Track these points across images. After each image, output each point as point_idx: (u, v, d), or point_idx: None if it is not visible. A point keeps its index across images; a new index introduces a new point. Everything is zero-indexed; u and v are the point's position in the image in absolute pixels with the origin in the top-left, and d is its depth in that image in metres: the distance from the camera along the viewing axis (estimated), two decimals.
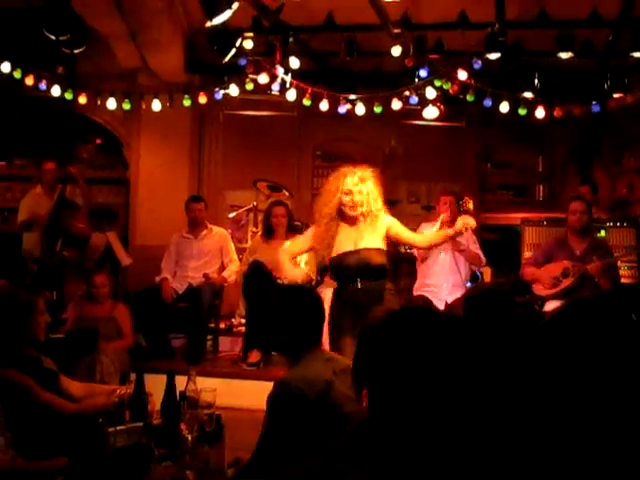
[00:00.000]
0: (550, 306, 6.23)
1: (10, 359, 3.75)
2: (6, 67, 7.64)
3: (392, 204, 9.07)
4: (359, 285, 5.02)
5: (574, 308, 2.01)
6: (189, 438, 2.97)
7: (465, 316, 3.15)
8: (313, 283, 6.77)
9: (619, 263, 6.80)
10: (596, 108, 7.34)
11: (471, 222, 5.16)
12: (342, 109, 7.58)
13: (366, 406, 2.41)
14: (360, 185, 5.05)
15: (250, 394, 6.02)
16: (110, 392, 3.57)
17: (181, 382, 3.44)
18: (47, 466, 3.13)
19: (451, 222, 6.78)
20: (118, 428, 3.15)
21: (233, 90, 7.84)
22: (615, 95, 7.39)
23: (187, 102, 8.06)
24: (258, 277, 6.69)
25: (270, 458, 3.06)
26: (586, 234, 6.53)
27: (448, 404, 2.13)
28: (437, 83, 7.26)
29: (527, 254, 7.26)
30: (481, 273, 7.28)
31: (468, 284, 6.88)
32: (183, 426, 3.01)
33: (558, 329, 1.96)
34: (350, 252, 5.07)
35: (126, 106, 8.16)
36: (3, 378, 3.57)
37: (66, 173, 7.77)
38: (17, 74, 7.72)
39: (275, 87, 7.52)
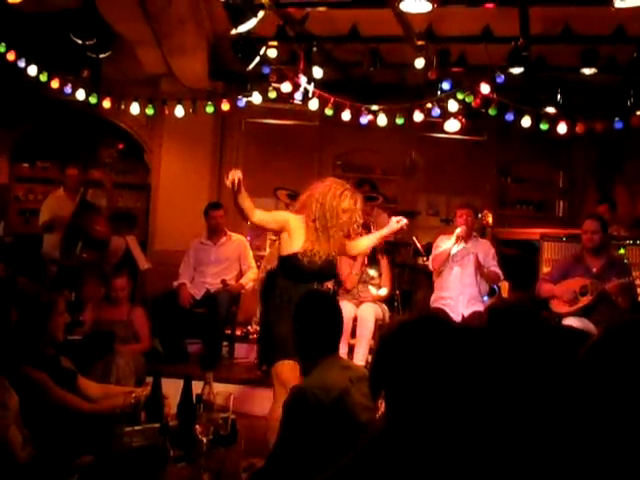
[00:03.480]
0: (567, 323, 6.20)
1: (29, 357, 3.79)
2: (32, 70, 7.72)
3: (411, 216, 9.10)
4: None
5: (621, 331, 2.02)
6: (204, 440, 2.98)
7: (487, 327, 3.15)
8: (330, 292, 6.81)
9: (638, 281, 6.77)
10: (618, 124, 7.31)
11: (403, 220, 5.10)
12: (364, 120, 7.60)
13: (383, 414, 2.42)
14: None
15: (264, 401, 6.03)
16: (127, 393, 3.58)
17: (196, 387, 3.46)
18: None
19: (467, 236, 6.78)
20: (135, 428, 3.16)
21: (256, 98, 7.88)
22: (638, 112, 7.36)
23: (210, 109, 8.10)
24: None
25: (284, 463, 3.06)
26: (602, 252, 6.49)
27: (466, 412, 2.13)
28: (459, 96, 7.27)
29: (545, 269, 7.23)
30: (498, 287, 7.25)
31: (485, 298, 6.84)
32: (198, 428, 3.02)
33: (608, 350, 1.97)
34: None
35: (149, 111, 8.21)
36: (21, 376, 3.60)
37: (88, 178, 7.84)
38: (43, 77, 7.79)
39: (298, 96, 7.55)
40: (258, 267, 7.47)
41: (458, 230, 6.71)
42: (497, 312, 3.36)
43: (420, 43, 7.08)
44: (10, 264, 7.59)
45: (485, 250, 6.86)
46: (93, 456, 3.08)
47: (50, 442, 3.38)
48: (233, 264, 7.46)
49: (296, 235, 4.79)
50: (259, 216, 4.81)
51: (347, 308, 6.36)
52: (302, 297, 3.70)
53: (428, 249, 8.09)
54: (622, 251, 7.17)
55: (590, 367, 2.01)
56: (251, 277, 7.39)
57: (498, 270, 6.85)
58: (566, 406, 2.13)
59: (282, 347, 4.53)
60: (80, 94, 8.02)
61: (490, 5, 6.61)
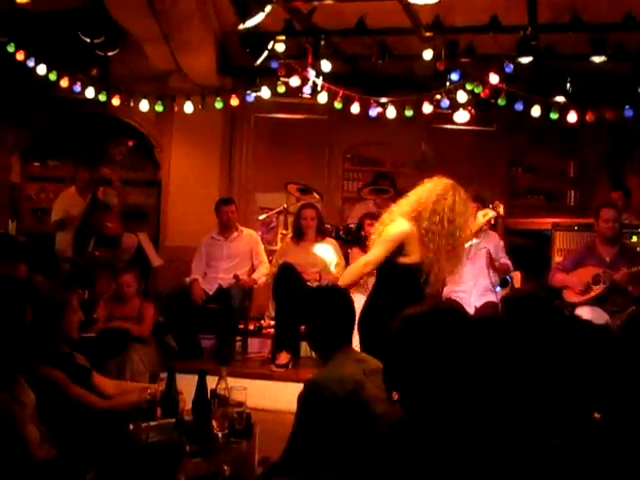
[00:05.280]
0: (580, 312, 6.18)
1: (44, 355, 3.81)
2: (42, 69, 7.75)
3: None
4: None
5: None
6: (220, 435, 3.00)
7: (504, 317, 3.15)
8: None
9: None
10: (629, 112, 7.27)
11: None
12: (373, 112, 7.58)
13: (397, 407, 2.42)
14: None
15: (278, 396, 6.05)
16: (142, 390, 3.61)
17: (211, 382, 3.47)
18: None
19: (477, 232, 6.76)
20: (150, 424, 3.18)
21: (265, 93, 7.87)
22: None
23: (219, 104, 8.10)
24: (287, 279, 6.71)
25: (300, 456, 3.07)
26: (616, 240, 6.49)
27: (481, 403, 2.14)
28: (468, 87, 7.25)
29: (557, 259, 7.22)
30: (511, 278, 7.24)
31: (498, 289, 6.83)
32: (214, 423, 3.04)
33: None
34: None
35: (158, 108, 8.23)
36: (37, 374, 3.62)
37: (98, 176, 7.87)
38: (52, 76, 7.82)
39: (306, 90, 7.54)
40: (270, 262, 7.49)
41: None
42: (513, 302, 3.36)
43: (428, 34, 7.05)
44: (25, 263, 7.62)
45: (495, 243, 6.86)
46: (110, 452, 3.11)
47: (67, 439, 3.41)
48: (245, 259, 7.47)
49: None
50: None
51: (359, 300, 6.34)
52: (310, 293, 3.70)
53: None
54: (635, 239, 7.15)
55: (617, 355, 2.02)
56: (263, 272, 7.40)
57: (508, 261, 6.87)
58: (582, 394, 2.13)
59: None
60: (89, 92, 8.05)
61: None
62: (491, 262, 6.67)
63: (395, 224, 4.61)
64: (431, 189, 4.70)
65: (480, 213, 5.04)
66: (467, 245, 6.67)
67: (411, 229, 4.53)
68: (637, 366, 1.97)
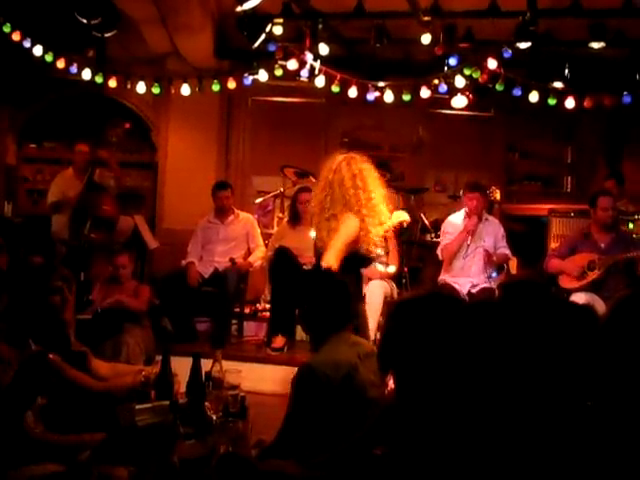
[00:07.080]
0: (575, 299, 6.19)
1: (39, 337, 3.80)
2: (38, 50, 7.71)
3: (419, 192, 9.09)
4: None
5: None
6: (214, 418, 3.01)
7: (500, 303, 3.16)
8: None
9: None
10: (627, 99, 7.26)
11: (405, 217, 5.09)
12: (371, 96, 7.56)
13: (392, 390, 2.43)
14: None
15: (274, 379, 6.08)
16: (137, 372, 3.61)
17: (206, 365, 3.48)
18: (75, 440, 3.18)
19: (476, 223, 6.76)
20: (145, 406, 3.18)
21: (262, 76, 7.83)
22: None
23: (216, 87, 8.06)
24: (284, 263, 6.71)
25: (294, 440, 3.09)
26: (612, 228, 6.51)
27: (475, 388, 2.14)
28: (466, 72, 7.22)
29: (553, 245, 7.23)
30: (507, 264, 7.24)
31: (494, 274, 6.84)
32: (208, 406, 3.04)
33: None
34: None
35: (155, 90, 8.18)
36: (32, 355, 3.62)
37: (95, 157, 7.84)
38: (49, 57, 7.78)
39: (304, 73, 7.50)
40: (266, 245, 7.49)
41: (465, 218, 6.69)
42: (509, 287, 3.36)
43: (426, 19, 7.02)
44: (21, 245, 7.60)
45: (495, 231, 6.85)
46: (105, 433, 3.11)
47: (62, 419, 3.41)
48: (241, 242, 7.48)
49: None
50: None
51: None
52: (306, 277, 3.71)
53: (435, 226, 8.09)
54: (630, 226, 7.16)
55: (604, 338, 2.02)
56: (259, 255, 7.42)
57: (507, 251, 6.87)
58: (577, 380, 2.14)
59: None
60: (86, 74, 8.00)
61: None
62: (489, 260, 6.69)
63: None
64: (331, 168, 4.93)
65: (395, 213, 5.09)
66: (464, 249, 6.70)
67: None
68: (625, 351, 1.98)
